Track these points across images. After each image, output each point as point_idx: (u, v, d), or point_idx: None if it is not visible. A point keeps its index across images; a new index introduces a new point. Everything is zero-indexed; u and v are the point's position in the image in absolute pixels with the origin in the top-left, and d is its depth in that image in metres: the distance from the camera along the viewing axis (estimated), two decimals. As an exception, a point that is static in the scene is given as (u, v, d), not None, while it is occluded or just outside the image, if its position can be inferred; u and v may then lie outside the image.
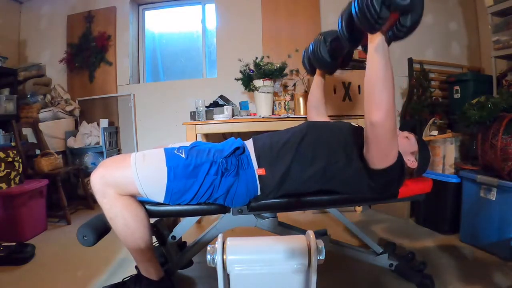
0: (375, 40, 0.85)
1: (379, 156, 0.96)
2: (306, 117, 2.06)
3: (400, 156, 1.02)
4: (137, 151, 2.86)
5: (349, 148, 1.04)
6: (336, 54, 1.23)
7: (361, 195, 1.09)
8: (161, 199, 0.99)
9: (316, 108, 1.43)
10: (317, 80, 1.40)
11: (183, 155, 1.00)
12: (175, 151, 1.01)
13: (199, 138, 2.27)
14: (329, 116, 2.08)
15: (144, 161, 0.98)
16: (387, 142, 0.92)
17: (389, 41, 0.86)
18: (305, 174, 1.02)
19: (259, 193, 1.04)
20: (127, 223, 0.96)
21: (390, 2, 0.76)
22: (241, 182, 1.01)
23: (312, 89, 1.43)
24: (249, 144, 1.10)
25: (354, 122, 1.24)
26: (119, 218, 0.96)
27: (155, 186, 0.97)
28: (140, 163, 0.97)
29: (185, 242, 1.43)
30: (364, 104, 0.91)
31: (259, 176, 1.02)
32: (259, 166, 1.02)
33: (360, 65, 2.09)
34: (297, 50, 2.67)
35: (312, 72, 1.42)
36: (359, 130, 1.11)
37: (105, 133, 2.73)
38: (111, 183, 0.95)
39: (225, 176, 0.99)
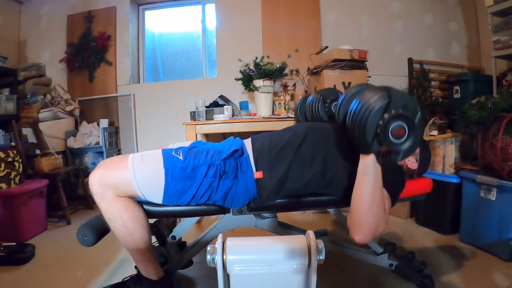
0: (365, 159, 0.81)
1: None
2: (306, 117, 2.07)
3: (402, 172, 1.01)
4: (137, 151, 2.88)
5: (349, 151, 1.02)
6: (334, 115, 1.22)
7: None
8: (159, 201, 0.99)
9: None
10: None
11: (180, 157, 0.99)
12: (173, 153, 1.01)
13: (199, 138, 2.27)
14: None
15: (142, 162, 0.98)
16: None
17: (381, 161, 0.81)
18: (303, 178, 1.01)
19: (257, 196, 1.03)
20: (125, 224, 0.96)
21: (383, 140, 0.72)
22: (240, 185, 1.00)
23: None
24: (248, 144, 1.08)
25: None
26: (117, 219, 0.96)
27: (153, 188, 0.97)
28: (138, 164, 0.97)
29: (185, 242, 1.43)
30: (348, 216, 0.89)
31: (257, 179, 1.00)
32: (257, 169, 1.01)
33: (360, 65, 2.09)
34: (297, 50, 2.67)
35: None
36: None
37: (105, 133, 2.72)
38: (109, 184, 0.95)
39: (223, 179, 0.98)
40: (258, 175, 1.00)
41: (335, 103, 1.21)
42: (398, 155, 0.75)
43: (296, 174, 1.01)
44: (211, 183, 0.98)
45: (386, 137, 0.72)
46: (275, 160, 1.02)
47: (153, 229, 1.19)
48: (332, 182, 1.03)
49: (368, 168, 0.81)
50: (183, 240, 1.42)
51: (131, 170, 0.95)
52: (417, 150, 1.14)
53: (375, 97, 0.73)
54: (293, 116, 2.11)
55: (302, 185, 1.02)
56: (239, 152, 1.03)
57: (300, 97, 2.24)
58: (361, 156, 0.83)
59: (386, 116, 0.72)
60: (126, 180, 0.95)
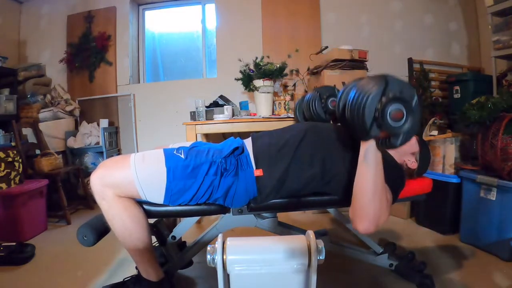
0: (365, 145, 0.82)
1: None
2: (306, 117, 2.06)
3: (401, 171, 1.01)
4: (137, 151, 2.88)
5: (348, 151, 1.03)
6: (331, 111, 1.24)
7: None
8: (160, 200, 0.99)
9: None
10: None
11: (182, 156, 1.00)
12: (174, 152, 1.01)
13: (199, 138, 2.27)
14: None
15: (144, 162, 0.98)
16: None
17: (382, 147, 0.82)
18: (303, 176, 1.02)
19: (257, 194, 1.03)
20: (125, 225, 0.96)
21: (381, 123, 0.73)
22: (240, 182, 1.00)
23: None
24: (248, 143, 1.09)
25: None
26: (117, 220, 0.96)
27: (155, 187, 0.97)
28: (139, 164, 0.97)
29: (184, 242, 1.43)
30: (350, 207, 0.88)
31: (257, 177, 1.01)
32: (257, 167, 1.01)
33: (360, 65, 2.09)
34: (297, 50, 2.67)
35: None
36: None
37: (105, 133, 2.72)
38: (110, 184, 0.95)
39: (225, 176, 0.99)
40: (258, 172, 1.01)
41: (331, 99, 1.23)
42: (397, 139, 0.76)
43: (296, 172, 1.01)
44: (212, 181, 0.98)
45: (384, 120, 0.72)
46: (275, 158, 1.02)
47: (153, 229, 1.19)
48: (332, 181, 1.03)
49: (369, 155, 0.82)
50: (183, 240, 1.42)
51: (133, 169, 0.96)
52: (417, 150, 1.15)
53: (372, 83, 0.74)
54: (293, 116, 2.11)
55: (302, 184, 1.02)
56: (240, 150, 1.04)
57: (299, 98, 2.28)
58: (361, 144, 0.84)
59: (383, 99, 0.72)
60: (128, 180, 0.95)
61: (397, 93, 0.73)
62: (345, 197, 1.09)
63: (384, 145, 0.79)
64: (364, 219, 0.83)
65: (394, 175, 0.98)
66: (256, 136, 1.13)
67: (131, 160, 0.98)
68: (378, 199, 0.83)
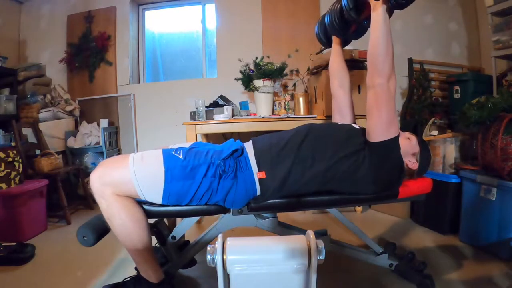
0: (378, 9, 0.96)
1: (380, 124, 0.99)
2: (305, 117, 2.07)
3: (397, 140, 1.03)
4: (137, 151, 2.87)
5: (350, 148, 1.03)
6: (352, 19, 1.22)
7: (362, 194, 1.09)
8: (159, 200, 0.99)
9: (338, 78, 1.37)
10: (335, 48, 1.40)
11: (181, 156, 1.00)
12: (173, 152, 1.01)
13: (199, 138, 2.27)
14: (329, 116, 2.07)
15: (142, 161, 0.98)
16: (387, 106, 0.98)
17: (391, 10, 0.97)
18: (305, 176, 1.02)
19: (259, 194, 1.03)
20: (124, 224, 0.96)
21: None
22: (239, 185, 1.00)
23: (331, 58, 1.40)
24: (248, 146, 1.09)
25: (355, 124, 1.24)
26: (116, 218, 0.96)
27: (153, 187, 0.97)
28: (138, 163, 0.97)
29: (187, 241, 1.43)
30: (368, 68, 1.01)
31: (260, 179, 1.01)
32: (259, 169, 1.02)
33: (360, 65, 2.09)
34: (297, 50, 2.67)
35: (328, 43, 1.44)
36: (360, 131, 1.11)
37: (105, 133, 2.72)
38: (109, 183, 0.95)
39: (223, 178, 0.99)
40: (261, 175, 1.01)
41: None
42: None
43: (297, 172, 1.02)
44: (211, 183, 0.98)
45: None
46: (277, 159, 1.03)
47: (153, 229, 1.19)
48: (333, 180, 1.03)
49: (381, 14, 0.96)
50: (186, 239, 1.42)
51: (132, 169, 0.96)
52: (417, 150, 1.15)
53: None
54: (293, 116, 2.11)
55: (304, 183, 1.03)
56: (239, 152, 1.04)
57: (299, 96, 2.28)
58: (372, 8, 0.98)
59: None
60: (127, 179, 0.95)
61: None
62: (346, 196, 1.10)
63: (393, 4, 0.93)
64: (381, 72, 0.98)
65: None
66: (256, 139, 1.13)
67: (130, 160, 0.98)
68: (391, 58, 0.98)
